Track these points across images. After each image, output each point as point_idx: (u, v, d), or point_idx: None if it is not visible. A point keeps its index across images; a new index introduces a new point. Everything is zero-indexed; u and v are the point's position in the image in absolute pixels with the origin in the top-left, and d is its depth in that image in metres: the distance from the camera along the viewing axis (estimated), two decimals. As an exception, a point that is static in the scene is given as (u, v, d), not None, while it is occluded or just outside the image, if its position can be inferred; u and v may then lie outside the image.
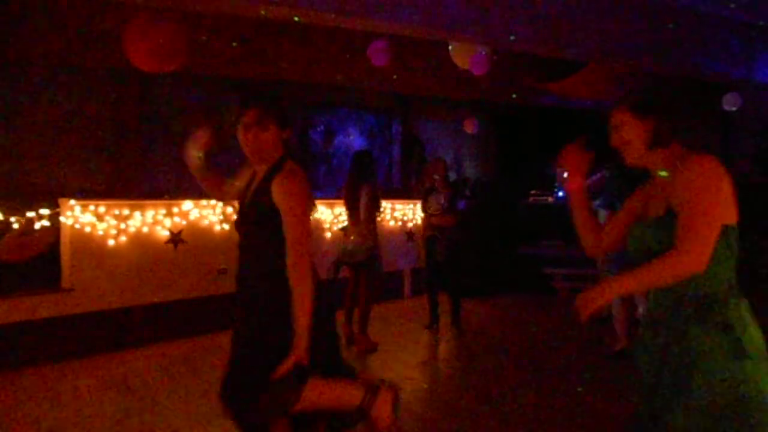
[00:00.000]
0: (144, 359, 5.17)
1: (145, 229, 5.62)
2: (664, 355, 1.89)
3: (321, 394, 2.26)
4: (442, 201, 6.00)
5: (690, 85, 7.63)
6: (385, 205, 7.54)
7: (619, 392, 4.37)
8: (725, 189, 1.83)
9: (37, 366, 4.90)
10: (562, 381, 4.62)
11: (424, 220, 6.29)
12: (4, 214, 5.15)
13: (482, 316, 6.92)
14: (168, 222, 5.75)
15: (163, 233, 5.73)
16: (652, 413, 1.91)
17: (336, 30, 5.53)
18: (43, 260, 5.46)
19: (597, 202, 5.48)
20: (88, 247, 5.33)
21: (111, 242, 5.41)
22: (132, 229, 5.54)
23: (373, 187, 5.37)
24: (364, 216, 5.29)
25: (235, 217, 2.55)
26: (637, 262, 1.94)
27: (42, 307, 5.06)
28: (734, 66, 6.71)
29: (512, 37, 5.16)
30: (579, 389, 4.42)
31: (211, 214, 6.01)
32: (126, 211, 5.52)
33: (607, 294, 1.84)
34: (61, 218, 5.29)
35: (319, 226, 6.84)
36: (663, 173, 1.98)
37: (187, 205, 5.88)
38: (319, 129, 8.61)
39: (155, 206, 5.71)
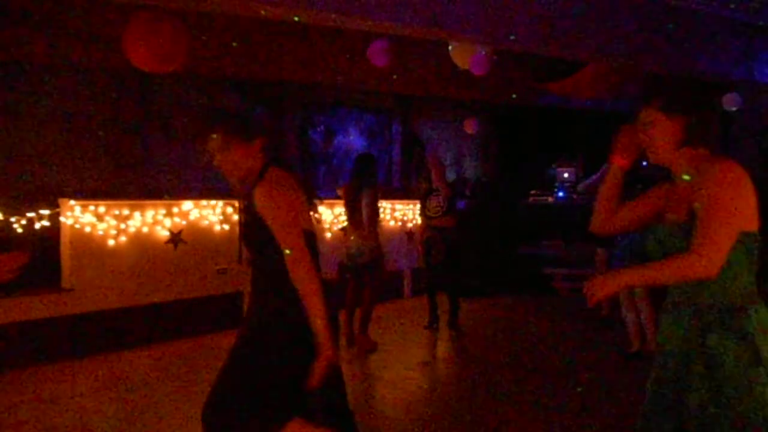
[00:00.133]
0: (144, 359, 5.17)
1: (145, 229, 5.62)
2: (685, 363, 1.89)
3: None
4: (441, 202, 6.01)
5: (690, 85, 7.61)
6: (385, 205, 7.54)
7: (619, 392, 4.37)
8: (746, 196, 1.82)
9: (37, 366, 4.90)
10: (562, 381, 4.62)
11: (423, 221, 6.29)
12: (4, 214, 5.15)
13: (482, 316, 6.92)
14: (168, 222, 5.75)
15: (163, 233, 5.73)
16: (669, 422, 1.91)
17: (336, 30, 5.52)
18: (44, 260, 5.46)
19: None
20: (88, 247, 5.33)
21: (111, 242, 5.41)
22: (132, 229, 5.54)
23: (375, 191, 5.37)
24: (365, 218, 5.29)
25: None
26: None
27: (42, 307, 5.06)
28: (734, 66, 6.71)
29: (512, 37, 5.15)
30: (578, 389, 4.42)
31: (211, 214, 6.01)
32: (126, 211, 5.52)
33: (616, 282, 1.84)
34: (61, 218, 5.30)
35: (319, 227, 6.83)
36: (686, 177, 1.95)
37: (187, 205, 5.88)
38: (319, 129, 8.60)
39: (155, 206, 5.71)
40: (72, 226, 5.26)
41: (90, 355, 5.19)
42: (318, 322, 2.13)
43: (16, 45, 5.49)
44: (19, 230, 5.23)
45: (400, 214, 7.84)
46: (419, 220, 6.60)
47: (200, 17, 5.30)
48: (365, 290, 5.44)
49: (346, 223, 5.72)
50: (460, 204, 7.65)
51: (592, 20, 5.57)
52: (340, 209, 6.67)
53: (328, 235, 6.96)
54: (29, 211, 5.26)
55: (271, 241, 2.19)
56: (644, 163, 2.26)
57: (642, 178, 5.03)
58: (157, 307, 5.66)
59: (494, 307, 7.38)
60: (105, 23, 5.32)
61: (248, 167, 2.32)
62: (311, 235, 2.34)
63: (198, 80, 6.99)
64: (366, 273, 5.41)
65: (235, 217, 6.08)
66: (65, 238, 5.31)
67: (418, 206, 6.46)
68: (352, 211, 5.44)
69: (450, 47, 6.21)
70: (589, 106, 8.76)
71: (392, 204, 7.77)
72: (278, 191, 2.21)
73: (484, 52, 5.95)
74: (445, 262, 6.02)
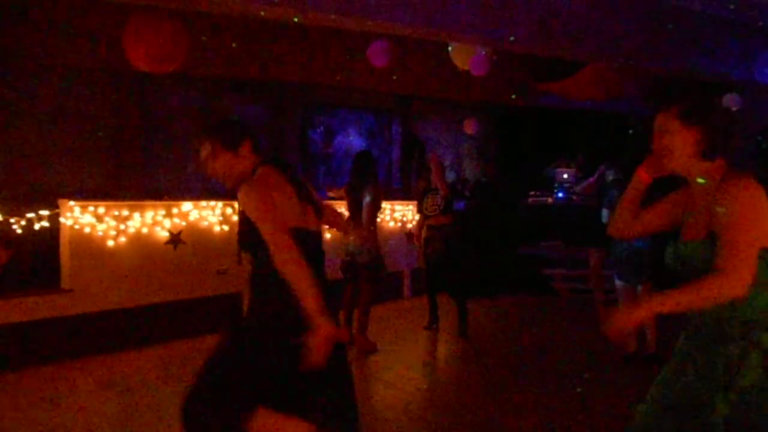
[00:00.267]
0: (144, 360, 5.17)
1: (144, 230, 5.61)
2: (701, 375, 1.88)
3: (269, 427, 2.15)
4: (439, 201, 6.01)
5: (690, 85, 7.63)
6: (385, 205, 7.54)
7: (618, 393, 4.37)
8: (765, 212, 1.82)
9: (36, 366, 4.90)
10: (562, 381, 4.61)
11: (420, 219, 6.28)
12: (4, 214, 5.15)
13: (482, 316, 6.92)
14: (167, 223, 5.74)
15: (163, 234, 5.72)
16: (669, 422, 1.91)
17: (336, 31, 5.53)
18: (43, 261, 5.46)
19: (605, 204, 5.46)
20: (88, 247, 5.32)
21: (110, 243, 5.41)
22: (131, 230, 5.54)
23: (376, 188, 5.36)
24: (365, 217, 5.28)
25: None
26: (681, 277, 1.94)
27: (41, 307, 5.06)
28: (734, 67, 6.71)
29: (512, 38, 5.16)
30: (578, 390, 4.42)
31: (211, 215, 6.01)
32: (125, 212, 5.51)
33: (644, 312, 1.80)
34: (61, 219, 5.29)
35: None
36: (701, 180, 1.94)
37: (187, 205, 5.88)
38: (318, 129, 8.61)
39: (155, 207, 5.71)
40: (71, 227, 5.26)
41: (90, 356, 5.18)
42: (309, 301, 2.09)
43: (16, 45, 5.49)
44: (19, 231, 5.23)
45: (399, 214, 7.84)
46: (417, 219, 6.60)
47: (200, 18, 5.31)
48: (362, 290, 5.42)
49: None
50: (460, 204, 7.65)
51: (591, 21, 5.58)
52: (339, 209, 6.66)
53: (328, 235, 6.96)
54: (29, 212, 5.26)
55: (262, 243, 2.18)
56: None
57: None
58: (156, 308, 5.65)
59: (494, 308, 7.38)
60: (105, 24, 5.33)
61: (240, 171, 2.34)
62: (307, 232, 2.31)
63: (197, 81, 7.00)
64: (365, 273, 5.39)
65: (235, 218, 6.08)
66: (65, 238, 5.31)
67: (413, 206, 6.45)
68: (354, 210, 5.43)
69: (450, 48, 6.22)
70: (589, 107, 8.76)
71: (392, 204, 7.76)
72: (255, 190, 2.20)
73: (483, 53, 5.96)
74: (444, 261, 6.01)
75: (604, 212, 5.34)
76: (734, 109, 7.67)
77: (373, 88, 8.16)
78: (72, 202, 5.29)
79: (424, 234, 6.18)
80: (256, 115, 7.70)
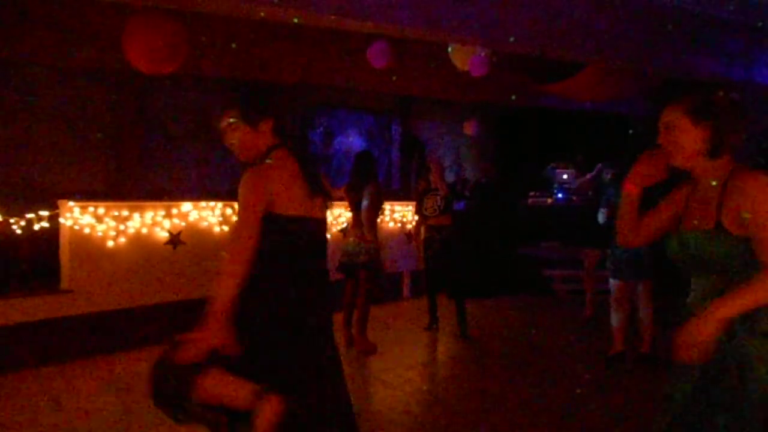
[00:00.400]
0: (144, 360, 5.14)
1: (144, 231, 5.61)
2: (713, 367, 1.87)
3: (215, 386, 2.13)
4: (439, 201, 6.02)
5: (689, 86, 7.64)
6: (385, 206, 7.53)
7: (617, 393, 4.37)
8: None
9: (36, 367, 4.89)
10: (561, 382, 4.62)
11: (419, 220, 6.29)
12: (4, 215, 5.15)
13: (481, 317, 6.91)
14: (167, 223, 5.74)
15: (163, 234, 5.72)
16: (690, 421, 1.90)
17: (335, 31, 5.53)
18: (43, 262, 5.46)
19: (602, 203, 5.48)
20: (87, 248, 5.32)
21: (110, 243, 5.41)
22: (131, 231, 5.54)
23: (377, 188, 5.36)
24: (365, 217, 5.28)
25: None
26: (683, 269, 1.96)
27: (41, 308, 5.06)
28: (733, 67, 6.71)
29: (511, 39, 5.16)
30: (578, 391, 4.42)
31: (210, 216, 6.01)
32: (125, 213, 5.51)
33: (714, 324, 1.78)
34: (60, 220, 5.29)
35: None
36: (714, 183, 1.93)
37: (186, 206, 5.88)
38: (318, 130, 8.61)
39: (154, 207, 5.71)
40: (71, 228, 5.26)
41: (89, 357, 5.18)
42: (217, 299, 2.11)
43: (15, 46, 5.49)
44: (18, 231, 5.23)
45: (399, 215, 7.84)
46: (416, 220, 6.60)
47: (199, 19, 5.30)
48: (361, 290, 5.41)
49: (345, 225, 5.71)
50: (460, 205, 7.64)
51: (591, 22, 5.58)
52: (338, 210, 6.67)
53: (327, 235, 6.95)
54: (28, 213, 5.26)
55: (269, 223, 2.18)
56: None
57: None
58: (156, 309, 5.64)
59: (493, 308, 7.38)
60: (104, 24, 5.33)
61: (256, 147, 2.34)
62: (308, 220, 2.30)
63: (197, 82, 7.00)
64: (362, 272, 5.38)
65: (235, 218, 6.08)
66: (64, 239, 5.31)
67: (412, 207, 6.46)
68: (353, 210, 5.43)
69: (449, 49, 6.22)
70: (589, 108, 8.76)
71: (391, 205, 7.76)
72: (252, 179, 2.19)
73: (483, 54, 5.96)
74: (444, 261, 6.02)
75: (602, 212, 5.33)
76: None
77: (372, 89, 8.16)
78: (71, 203, 5.29)
79: (423, 234, 6.19)
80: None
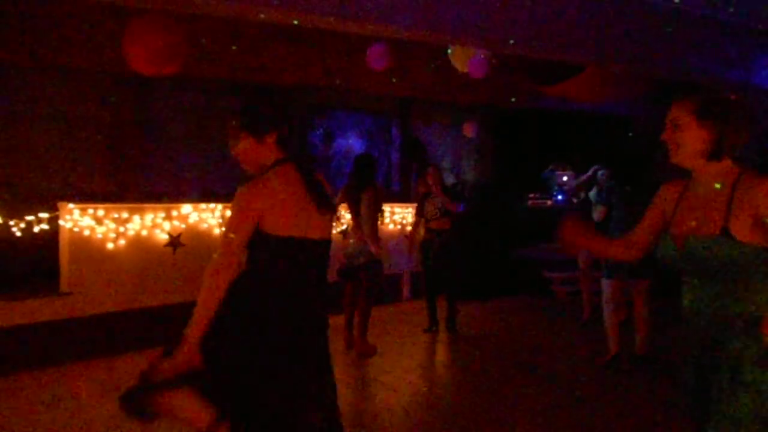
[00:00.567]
0: (143, 363, 5.14)
1: (144, 233, 5.61)
2: (709, 370, 1.88)
3: (179, 406, 2.21)
4: (439, 205, 6.05)
5: (688, 88, 7.62)
6: (384, 208, 7.53)
7: (616, 394, 4.37)
8: None
9: (35, 369, 4.89)
10: (560, 384, 4.62)
11: (416, 221, 6.32)
12: (3, 217, 5.15)
13: (480, 318, 6.92)
14: (167, 225, 5.74)
15: (162, 236, 5.72)
16: (698, 425, 1.92)
17: (335, 33, 5.53)
18: (42, 264, 5.46)
19: (595, 198, 5.56)
20: (87, 250, 5.32)
21: (110, 246, 5.41)
22: (131, 233, 5.54)
23: (374, 193, 5.36)
24: (365, 226, 5.27)
25: None
26: (674, 271, 1.95)
27: (41, 310, 5.06)
28: (732, 70, 6.72)
29: (511, 41, 5.16)
30: (577, 392, 4.42)
31: (210, 218, 6.01)
32: (125, 215, 5.51)
33: None
34: (60, 222, 5.29)
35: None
36: (717, 186, 1.92)
37: (186, 208, 5.88)
38: (318, 132, 8.61)
39: (154, 209, 5.71)
40: (71, 230, 5.26)
41: (89, 359, 5.18)
42: (193, 324, 2.14)
43: (14, 48, 5.49)
44: (18, 234, 5.23)
45: (399, 217, 7.84)
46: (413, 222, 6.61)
47: (199, 20, 5.30)
48: (361, 293, 5.41)
49: (345, 227, 5.72)
50: (460, 207, 7.65)
51: (590, 24, 5.58)
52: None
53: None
54: (28, 215, 5.26)
55: (258, 241, 2.17)
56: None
57: (630, 181, 5.06)
58: (156, 311, 5.64)
59: (492, 311, 7.38)
60: (104, 26, 5.33)
61: (261, 161, 2.30)
62: (303, 242, 2.23)
63: (196, 83, 7.00)
64: (363, 275, 5.38)
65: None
66: (64, 241, 5.31)
67: (412, 209, 6.51)
68: (353, 212, 5.43)
69: (449, 50, 6.22)
70: (588, 110, 8.77)
71: (391, 207, 7.77)
72: (246, 194, 2.16)
73: (482, 56, 5.97)
74: (442, 263, 6.05)
75: (599, 207, 5.36)
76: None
77: (372, 91, 8.16)
78: (71, 205, 5.29)
79: (423, 236, 6.22)
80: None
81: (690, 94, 1.94)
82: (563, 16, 5.39)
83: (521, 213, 9.02)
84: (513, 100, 8.13)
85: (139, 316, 5.56)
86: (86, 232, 5.31)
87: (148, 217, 5.65)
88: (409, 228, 7.83)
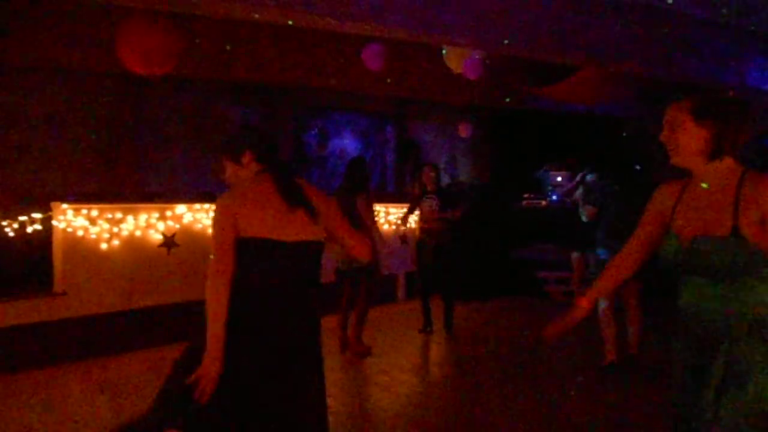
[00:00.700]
0: (137, 363, 5.14)
1: (138, 233, 5.60)
2: (708, 369, 1.87)
3: None
4: (434, 206, 6.06)
5: (682, 89, 7.66)
6: (379, 208, 7.54)
7: (613, 395, 4.38)
8: None
9: (29, 370, 4.87)
10: (555, 384, 4.63)
11: (404, 219, 6.42)
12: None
13: (475, 319, 6.93)
14: (161, 225, 5.73)
15: (156, 237, 5.71)
16: (692, 428, 1.90)
17: (330, 34, 5.53)
18: (36, 264, 5.44)
19: (583, 199, 5.61)
20: (81, 250, 5.30)
21: (104, 246, 5.39)
22: (125, 233, 5.52)
23: (368, 195, 5.38)
24: (360, 223, 5.27)
25: None
26: (676, 272, 1.94)
27: (34, 310, 5.04)
28: (726, 70, 6.75)
29: (505, 42, 5.17)
30: (572, 393, 4.43)
31: (205, 218, 5.99)
32: (119, 215, 5.50)
33: None
34: (54, 222, 5.27)
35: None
36: (704, 185, 1.92)
37: (181, 208, 5.87)
38: (313, 132, 8.61)
39: (148, 210, 5.70)
40: (64, 230, 5.24)
41: (83, 360, 5.16)
42: (209, 333, 2.20)
43: (10, 49, 5.47)
44: (11, 234, 5.21)
45: (394, 218, 7.84)
46: (413, 224, 6.61)
47: (194, 21, 5.30)
48: (359, 294, 5.42)
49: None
50: (457, 214, 7.66)
51: (584, 25, 5.60)
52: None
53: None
54: (21, 215, 5.23)
55: (237, 245, 2.23)
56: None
57: (621, 180, 5.10)
58: (150, 311, 5.63)
59: (487, 311, 7.39)
60: (98, 27, 5.31)
61: (244, 179, 2.41)
62: (276, 244, 2.26)
63: (191, 84, 6.98)
64: (361, 277, 5.39)
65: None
66: (58, 241, 5.29)
67: (405, 209, 6.53)
68: (346, 215, 5.42)
69: (444, 51, 6.23)
70: (582, 110, 8.79)
71: (386, 207, 7.77)
72: (219, 205, 2.28)
73: (477, 56, 5.98)
74: (438, 264, 6.06)
75: (589, 208, 5.38)
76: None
77: (367, 92, 8.16)
78: (65, 205, 5.27)
79: (418, 237, 6.24)
80: (251, 119, 7.70)
81: (688, 94, 1.94)
82: (558, 17, 5.41)
83: (516, 213, 9.04)
84: (507, 100, 8.15)
85: (133, 316, 5.54)
86: (80, 233, 5.29)
87: (142, 218, 5.63)
88: (403, 228, 7.85)
